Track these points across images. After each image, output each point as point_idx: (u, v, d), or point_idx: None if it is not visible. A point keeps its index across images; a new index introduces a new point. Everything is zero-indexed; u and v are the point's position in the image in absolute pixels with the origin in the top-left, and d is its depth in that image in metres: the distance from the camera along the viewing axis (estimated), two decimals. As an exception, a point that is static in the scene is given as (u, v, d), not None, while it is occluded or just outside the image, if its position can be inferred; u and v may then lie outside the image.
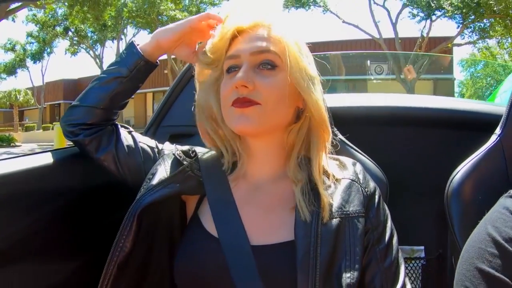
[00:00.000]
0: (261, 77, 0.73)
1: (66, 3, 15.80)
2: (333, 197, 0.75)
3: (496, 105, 1.32)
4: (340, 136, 0.99)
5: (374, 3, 17.13)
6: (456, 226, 0.85)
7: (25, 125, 28.13)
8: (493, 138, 0.90)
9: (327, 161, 0.80)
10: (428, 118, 1.21)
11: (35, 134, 23.45)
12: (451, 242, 0.89)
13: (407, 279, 0.77)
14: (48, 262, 0.88)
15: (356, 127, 1.03)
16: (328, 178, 0.78)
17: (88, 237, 0.95)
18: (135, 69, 0.91)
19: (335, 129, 0.98)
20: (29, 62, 27.19)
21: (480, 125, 1.09)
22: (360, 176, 0.79)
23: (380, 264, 0.74)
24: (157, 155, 0.92)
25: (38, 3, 13.19)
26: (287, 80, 0.73)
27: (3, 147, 15.08)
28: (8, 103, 26.76)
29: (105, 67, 1.13)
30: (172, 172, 0.78)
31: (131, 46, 0.93)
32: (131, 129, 0.99)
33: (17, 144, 19.75)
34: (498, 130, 0.91)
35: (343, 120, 1.02)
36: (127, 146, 0.92)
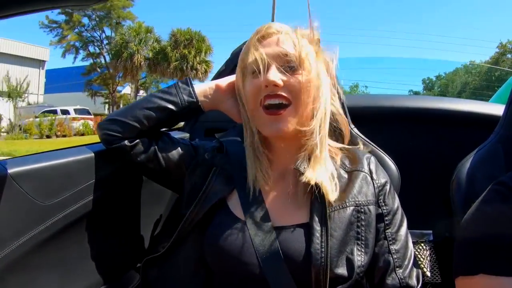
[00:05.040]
0: None
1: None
2: (347, 187, 0.83)
3: (496, 106, 1.33)
4: (357, 132, 1.05)
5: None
6: (460, 212, 0.87)
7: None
8: (493, 136, 0.95)
9: (344, 156, 0.88)
10: (437, 116, 1.28)
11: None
12: (456, 226, 0.89)
13: (415, 259, 0.84)
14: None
15: (373, 125, 1.09)
16: (344, 170, 0.86)
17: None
18: (187, 109, 0.93)
19: (353, 126, 1.05)
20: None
21: (481, 123, 1.15)
22: (373, 169, 0.87)
23: (391, 246, 0.82)
24: (193, 151, 0.95)
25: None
26: None
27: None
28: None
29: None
30: (206, 179, 0.88)
31: (187, 83, 0.95)
32: (165, 131, 1.01)
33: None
34: (497, 129, 0.96)
35: (362, 118, 1.08)
36: (166, 148, 0.93)
